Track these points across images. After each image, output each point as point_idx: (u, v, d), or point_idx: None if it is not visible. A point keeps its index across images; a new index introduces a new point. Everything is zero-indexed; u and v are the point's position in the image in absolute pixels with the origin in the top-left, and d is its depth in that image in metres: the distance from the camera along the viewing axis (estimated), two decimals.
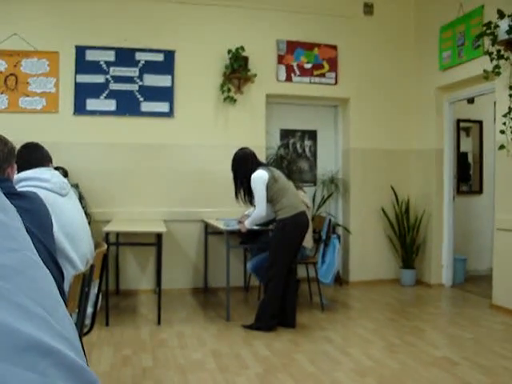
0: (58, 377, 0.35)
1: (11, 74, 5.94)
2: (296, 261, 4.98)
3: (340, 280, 6.75)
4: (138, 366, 3.80)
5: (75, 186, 5.61)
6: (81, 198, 5.47)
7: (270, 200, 4.75)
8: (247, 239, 5.49)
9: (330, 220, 5.61)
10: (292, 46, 6.65)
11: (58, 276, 2.13)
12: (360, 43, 6.89)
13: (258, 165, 4.85)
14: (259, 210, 4.73)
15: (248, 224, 4.87)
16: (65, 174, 5.44)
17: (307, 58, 6.71)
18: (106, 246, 3.04)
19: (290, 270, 4.83)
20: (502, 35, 5.06)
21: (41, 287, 0.41)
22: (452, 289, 6.63)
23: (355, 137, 6.88)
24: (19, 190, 2.21)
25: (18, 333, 0.35)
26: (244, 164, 4.86)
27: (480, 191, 7.61)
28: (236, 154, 4.94)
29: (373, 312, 5.49)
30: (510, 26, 4.97)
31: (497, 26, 5.14)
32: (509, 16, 5.02)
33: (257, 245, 5.44)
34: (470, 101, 7.24)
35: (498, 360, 3.95)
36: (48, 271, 0.45)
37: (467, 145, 7.61)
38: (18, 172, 2.64)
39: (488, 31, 5.26)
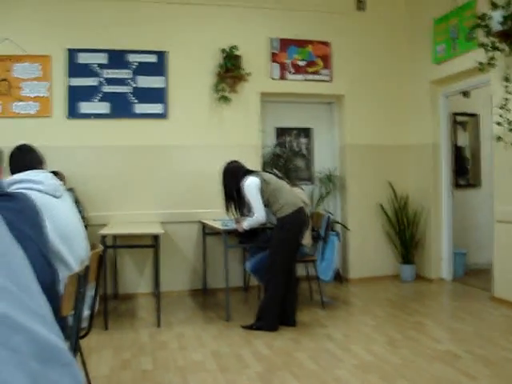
0: (30, 353, 0.33)
1: (3, 79, 5.90)
2: (296, 259, 4.95)
3: (340, 277, 6.72)
4: (138, 368, 3.77)
5: (71, 190, 5.57)
6: (77, 202, 5.43)
7: (267, 203, 4.73)
8: (245, 239, 5.46)
9: (328, 217, 5.57)
10: (285, 44, 6.62)
11: (52, 276, 2.09)
12: (353, 39, 6.87)
13: (245, 173, 4.83)
14: (259, 216, 4.70)
15: (246, 225, 4.82)
16: (61, 178, 5.41)
17: (301, 55, 6.68)
18: (101, 248, 3.00)
19: (290, 268, 4.80)
20: (496, 26, 5.03)
21: (15, 264, 0.40)
22: (452, 283, 6.61)
23: (351, 133, 6.85)
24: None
25: None
26: (233, 176, 4.84)
27: (478, 184, 7.59)
28: (225, 168, 4.93)
29: (374, 308, 5.46)
30: (503, 16, 4.94)
31: (490, 18, 5.12)
32: (502, 7, 4.99)
33: (255, 244, 5.40)
34: (466, 94, 7.21)
35: (501, 352, 3.93)
36: (23, 254, 0.43)
37: (464, 138, 7.59)
38: (12, 174, 2.61)
39: (482, 23, 5.23)
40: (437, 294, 6.23)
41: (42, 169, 2.82)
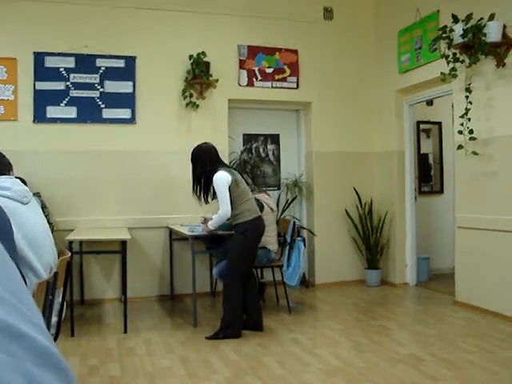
0: (29, 360, 0.35)
1: None
2: (254, 264, 4.99)
3: (306, 282, 6.79)
4: (106, 375, 3.75)
5: (37, 195, 5.51)
6: (43, 207, 5.38)
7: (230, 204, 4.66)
8: (212, 245, 5.48)
9: (294, 223, 5.64)
10: (253, 51, 6.68)
11: None
12: (321, 47, 6.97)
13: (219, 163, 4.76)
14: (224, 210, 4.60)
15: (212, 225, 4.76)
16: (23, 183, 5.34)
17: (268, 62, 6.75)
18: (69, 254, 3.00)
19: (249, 273, 4.84)
20: (457, 39, 5.19)
21: (10, 275, 0.41)
22: (416, 287, 6.74)
23: (317, 140, 6.94)
24: None
25: None
26: (205, 159, 4.74)
27: (441, 191, 7.77)
28: (198, 147, 4.83)
29: (339, 313, 5.54)
30: (463, 30, 5.10)
31: (452, 30, 5.27)
32: (463, 20, 5.15)
33: (222, 249, 5.42)
34: (429, 103, 7.40)
35: (462, 354, 4.04)
36: (14, 263, 0.45)
37: (427, 146, 7.77)
38: None
39: (444, 35, 5.38)
40: (401, 298, 6.35)
41: (10, 174, 2.81)
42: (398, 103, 6.80)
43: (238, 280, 4.65)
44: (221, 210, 4.62)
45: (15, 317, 0.37)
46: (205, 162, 4.73)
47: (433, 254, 7.31)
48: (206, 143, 4.87)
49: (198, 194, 4.82)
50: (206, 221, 4.94)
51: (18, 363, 0.35)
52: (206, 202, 4.85)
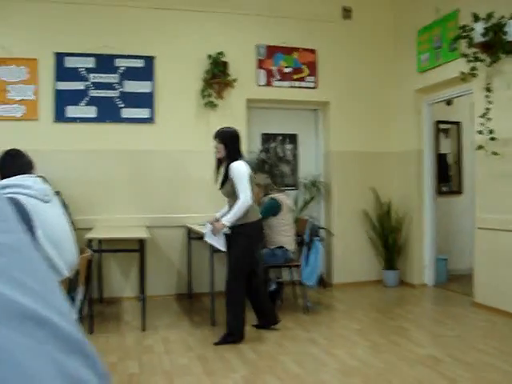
0: (56, 347, 0.36)
1: None
2: (258, 261, 4.82)
3: (323, 282, 6.78)
4: (124, 372, 3.79)
5: (57, 194, 5.56)
6: (64, 206, 5.44)
7: (237, 198, 4.44)
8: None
9: (312, 223, 5.64)
10: (271, 51, 6.69)
11: None
12: (339, 47, 6.96)
13: (240, 153, 4.60)
14: (246, 198, 4.37)
15: (229, 220, 4.41)
16: (45, 182, 5.40)
17: (287, 62, 6.75)
18: (90, 252, 3.03)
19: (253, 272, 4.70)
20: (478, 38, 5.15)
21: (36, 266, 0.42)
22: (435, 288, 6.70)
23: (336, 140, 6.93)
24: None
25: (15, 303, 0.35)
26: (234, 143, 4.56)
27: (460, 191, 7.71)
28: (229, 129, 4.66)
29: (357, 313, 5.52)
30: (484, 28, 5.06)
31: (472, 29, 5.23)
32: (483, 19, 5.11)
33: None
34: (449, 102, 7.34)
35: (481, 356, 4.01)
36: (40, 255, 0.46)
37: (446, 146, 7.71)
38: (1, 179, 2.63)
39: (464, 34, 5.35)
40: (419, 299, 6.31)
41: (32, 173, 2.84)
42: (417, 103, 6.76)
43: (241, 284, 4.52)
44: (242, 199, 4.37)
45: (42, 306, 0.37)
46: (232, 146, 4.54)
47: (451, 254, 7.25)
48: (234, 128, 4.71)
49: (217, 178, 4.69)
50: (217, 221, 4.60)
51: (45, 350, 0.35)
52: (221, 187, 4.63)
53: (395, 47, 7.11)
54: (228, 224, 4.45)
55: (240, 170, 4.43)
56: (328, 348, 4.36)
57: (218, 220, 4.62)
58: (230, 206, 4.54)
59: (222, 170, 4.60)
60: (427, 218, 6.79)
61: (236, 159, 4.49)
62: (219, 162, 4.66)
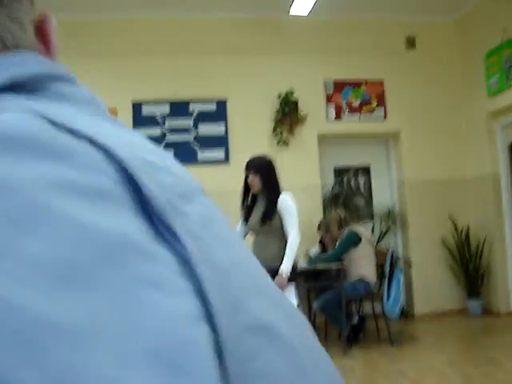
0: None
1: None
2: None
3: (405, 313, 6.69)
4: None
5: None
6: None
7: (282, 236, 3.94)
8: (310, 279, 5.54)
9: (392, 254, 5.62)
10: (339, 85, 6.80)
11: None
12: (406, 76, 6.99)
13: (278, 183, 4.07)
14: (296, 235, 3.87)
15: (287, 266, 3.77)
16: None
17: (355, 95, 6.84)
18: None
19: None
20: None
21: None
22: None
23: (409, 169, 6.91)
24: None
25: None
26: (274, 174, 4.06)
27: None
28: (265, 157, 4.16)
29: (443, 344, 5.41)
30: None
31: None
32: None
33: (319, 283, 5.51)
34: None
35: None
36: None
37: None
38: None
39: None
40: (507, 327, 6.11)
41: None
42: (489, 126, 6.67)
43: None
44: (293, 236, 3.86)
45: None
46: (269, 177, 4.02)
47: None
48: (268, 156, 4.25)
49: (246, 214, 4.15)
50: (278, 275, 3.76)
51: None
52: (246, 221, 4.12)
53: (463, 72, 7.08)
54: (288, 272, 3.79)
55: (291, 204, 3.93)
56: (419, 380, 4.30)
57: (277, 274, 3.77)
58: (260, 244, 3.98)
59: (261, 204, 4.02)
60: (509, 243, 6.61)
61: (278, 191, 3.99)
62: (252, 197, 4.11)
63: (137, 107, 6.43)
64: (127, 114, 6.37)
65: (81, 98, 0.42)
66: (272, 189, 3.97)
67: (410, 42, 7.08)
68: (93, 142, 0.30)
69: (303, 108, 6.55)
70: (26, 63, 0.38)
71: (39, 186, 0.25)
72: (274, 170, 4.06)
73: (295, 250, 3.86)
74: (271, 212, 3.91)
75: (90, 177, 0.27)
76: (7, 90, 0.35)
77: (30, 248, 0.23)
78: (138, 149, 0.34)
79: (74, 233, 0.24)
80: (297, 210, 3.96)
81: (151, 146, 0.39)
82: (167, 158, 0.38)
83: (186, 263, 0.28)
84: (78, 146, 0.29)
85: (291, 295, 3.86)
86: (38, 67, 0.38)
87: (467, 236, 6.82)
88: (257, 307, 0.32)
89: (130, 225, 0.27)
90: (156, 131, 6.44)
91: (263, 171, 3.99)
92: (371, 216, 7.07)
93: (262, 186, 3.97)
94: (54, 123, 0.30)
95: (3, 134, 0.27)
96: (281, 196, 3.95)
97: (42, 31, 0.46)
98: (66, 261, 0.23)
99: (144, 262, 0.26)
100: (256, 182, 3.97)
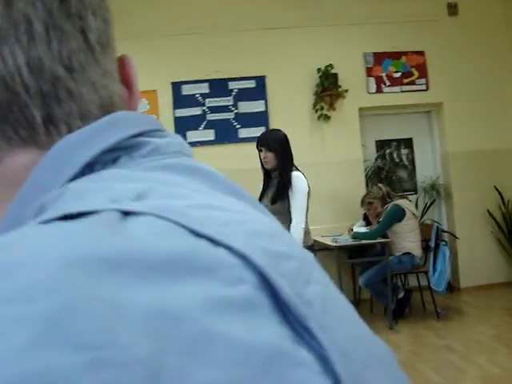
0: None
1: None
2: None
3: (451, 287, 6.63)
4: None
5: None
6: None
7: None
8: (354, 254, 5.56)
9: (437, 227, 5.56)
10: (379, 58, 6.68)
11: None
12: (448, 45, 6.81)
13: (292, 161, 3.82)
14: (299, 221, 3.62)
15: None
16: None
17: (395, 67, 6.71)
18: None
19: None
20: None
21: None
22: None
23: (452, 140, 6.77)
24: None
25: None
26: (287, 148, 3.79)
27: None
28: (280, 133, 3.88)
29: (491, 317, 5.36)
30: None
31: None
32: None
33: (365, 259, 5.51)
34: None
35: None
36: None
37: None
38: None
39: None
40: None
41: None
42: None
43: None
44: (295, 222, 3.62)
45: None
46: (284, 153, 3.76)
47: None
48: (281, 131, 3.95)
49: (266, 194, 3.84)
50: None
51: None
52: (271, 203, 3.71)
53: (508, 38, 6.85)
54: None
55: (304, 185, 3.68)
56: (467, 355, 4.28)
57: None
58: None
59: (274, 182, 3.80)
60: None
61: (290, 169, 3.74)
62: (267, 174, 3.87)
63: (176, 87, 6.47)
64: (167, 95, 6.42)
65: (181, 162, 0.39)
66: (287, 166, 3.72)
67: (452, 9, 6.88)
68: (228, 248, 0.29)
69: (343, 82, 6.47)
70: (120, 129, 0.37)
71: (197, 310, 0.25)
72: (289, 145, 3.81)
73: (297, 237, 3.49)
74: (284, 190, 3.66)
75: (235, 289, 0.27)
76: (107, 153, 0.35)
77: (203, 376, 0.24)
78: (258, 234, 0.32)
79: (235, 353, 0.25)
80: (307, 194, 3.69)
81: (260, 216, 0.37)
82: (278, 230, 0.36)
83: (323, 360, 0.27)
84: (218, 255, 0.28)
85: None
86: (131, 130, 0.37)
87: None
88: (376, 381, 0.33)
89: (276, 332, 0.27)
90: (196, 111, 6.47)
91: (278, 147, 3.73)
92: (415, 189, 6.99)
93: (278, 163, 3.72)
94: (191, 231, 0.29)
95: (151, 258, 0.26)
96: (295, 174, 3.70)
97: (124, 74, 0.44)
98: (233, 381, 0.24)
99: (295, 369, 0.26)
100: (270, 159, 3.73)
